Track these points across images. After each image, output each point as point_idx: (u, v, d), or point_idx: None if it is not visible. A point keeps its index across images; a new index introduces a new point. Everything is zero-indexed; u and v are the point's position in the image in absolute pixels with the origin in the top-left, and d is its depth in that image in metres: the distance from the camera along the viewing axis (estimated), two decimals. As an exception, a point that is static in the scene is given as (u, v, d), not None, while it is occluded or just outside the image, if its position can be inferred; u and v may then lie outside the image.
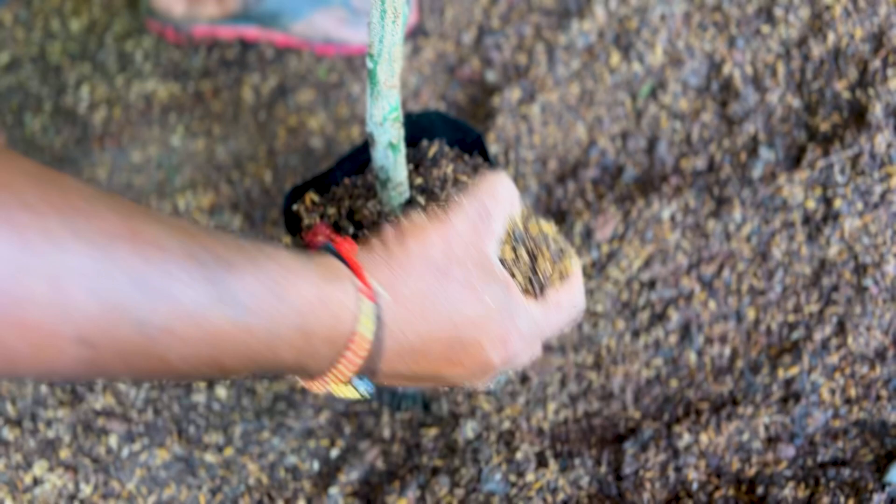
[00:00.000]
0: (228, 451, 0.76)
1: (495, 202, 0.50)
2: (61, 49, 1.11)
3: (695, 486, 0.68)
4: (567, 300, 0.52)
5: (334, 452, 0.76)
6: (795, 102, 0.82)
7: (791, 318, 0.75)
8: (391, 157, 0.59)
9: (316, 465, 0.76)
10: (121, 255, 0.35)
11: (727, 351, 0.76)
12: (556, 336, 0.54)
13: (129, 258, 0.35)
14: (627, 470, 0.69)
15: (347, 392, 0.48)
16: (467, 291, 0.47)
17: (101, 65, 1.10)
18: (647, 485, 0.68)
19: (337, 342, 0.44)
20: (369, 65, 0.53)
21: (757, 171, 0.81)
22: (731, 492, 0.68)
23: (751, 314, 0.77)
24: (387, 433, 0.77)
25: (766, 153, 0.80)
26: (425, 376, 0.49)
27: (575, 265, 0.54)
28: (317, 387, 0.47)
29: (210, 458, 0.76)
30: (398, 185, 0.61)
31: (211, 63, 1.08)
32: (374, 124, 0.57)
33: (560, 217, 0.85)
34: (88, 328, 0.35)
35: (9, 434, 0.79)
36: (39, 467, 0.77)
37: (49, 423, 0.79)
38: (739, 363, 0.75)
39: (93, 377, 0.39)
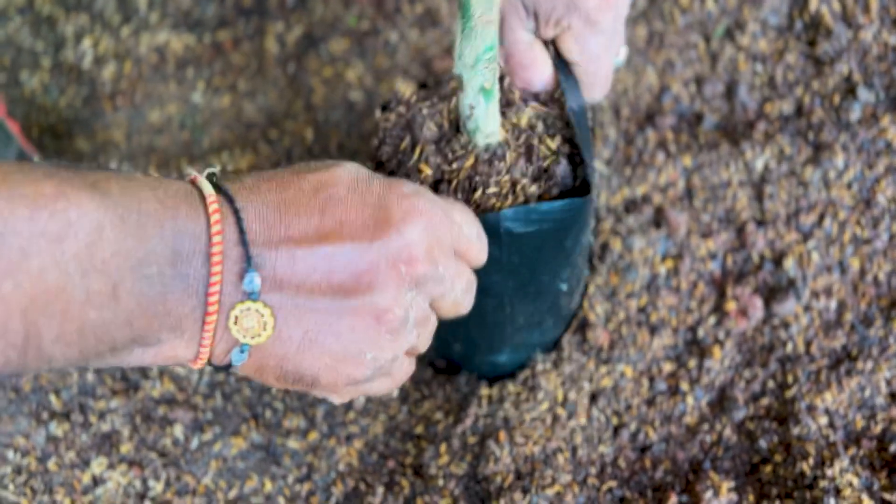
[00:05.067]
0: (313, 436, 0.70)
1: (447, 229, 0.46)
2: (54, -2, 1.00)
3: (822, 443, 0.65)
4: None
5: (431, 429, 0.70)
6: (893, 39, 0.78)
7: (898, 267, 0.72)
8: (483, 104, 0.53)
9: (411, 447, 0.69)
10: None
11: (833, 304, 0.72)
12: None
13: None
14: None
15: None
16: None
17: (99, 15, 0.99)
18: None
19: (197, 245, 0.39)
20: None
21: (855, 114, 0.76)
22: (863, 452, 0.65)
23: (855, 264, 0.73)
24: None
25: (865, 94, 0.76)
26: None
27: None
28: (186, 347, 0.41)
29: (293, 444, 0.69)
30: (488, 135, 0.55)
31: (226, 11, 0.98)
32: (465, 66, 0.50)
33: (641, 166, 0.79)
34: None
35: (57, 429, 0.71)
36: (98, 465, 0.69)
37: (102, 415, 0.71)
38: (849, 316, 0.72)
39: None
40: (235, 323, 0.40)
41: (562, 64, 0.58)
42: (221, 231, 0.39)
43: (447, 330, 0.67)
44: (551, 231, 0.56)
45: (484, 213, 0.53)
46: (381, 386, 0.48)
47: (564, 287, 0.64)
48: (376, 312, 0.42)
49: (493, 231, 0.53)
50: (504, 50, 0.58)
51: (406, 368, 0.49)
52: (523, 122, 0.56)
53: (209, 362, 0.43)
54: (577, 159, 0.57)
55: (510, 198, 0.55)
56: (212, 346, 0.41)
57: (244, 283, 0.40)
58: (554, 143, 0.56)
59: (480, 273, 0.52)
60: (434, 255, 0.44)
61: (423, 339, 0.48)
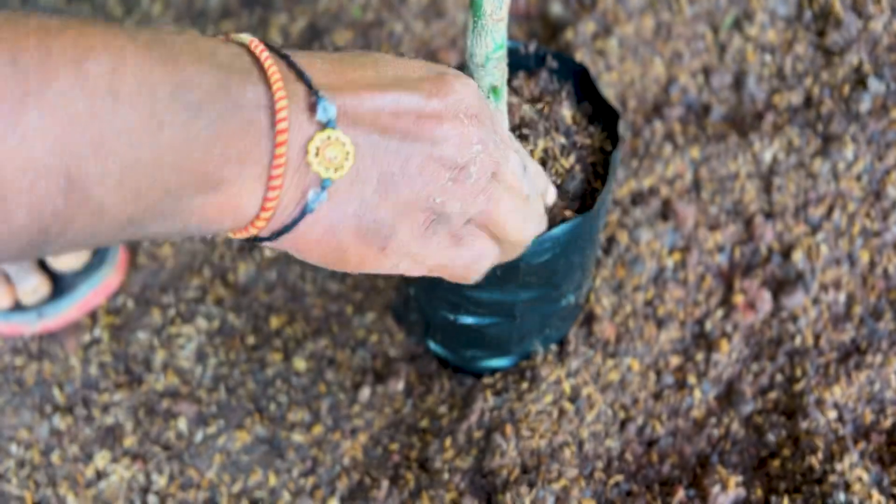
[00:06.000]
0: (317, 429, 0.69)
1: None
2: (57, -11, 0.99)
3: (831, 437, 0.64)
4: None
5: (435, 423, 0.70)
6: (903, 30, 0.77)
7: (909, 259, 0.71)
8: (493, 104, 0.52)
9: (416, 440, 0.69)
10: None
11: (842, 297, 0.72)
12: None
13: None
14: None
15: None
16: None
17: (101, 7, 0.98)
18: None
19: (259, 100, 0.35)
20: None
21: (865, 105, 0.75)
22: (872, 446, 0.64)
23: (865, 257, 0.72)
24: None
25: (875, 85, 0.75)
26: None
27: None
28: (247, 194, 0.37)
29: (298, 437, 0.69)
30: None
31: (230, 3, 0.98)
32: (475, 65, 0.50)
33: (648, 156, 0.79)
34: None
35: (60, 423, 0.70)
36: (102, 458, 0.68)
37: (105, 409, 0.71)
38: (858, 309, 0.71)
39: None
40: (317, 154, 0.37)
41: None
42: (275, 66, 0.36)
43: (451, 338, 0.67)
44: (561, 252, 0.55)
45: None
46: (456, 255, 0.44)
47: (573, 298, 0.64)
48: (441, 158, 0.40)
49: (511, 264, 0.51)
50: None
51: (479, 247, 0.45)
52: (539, 148, 0.56)
53: (259, 237, 0.39)
54: (590, 177, 0.56)
55: None
56: (282, 188, 0.37)
57: (318, 112, 0.37)
58: (567, 163, 0.56)
59: (488, 292, 0.51)
60: (490, 118, 0.43)
61: (493, 208, 0.44)
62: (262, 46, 0.37)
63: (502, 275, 0.54)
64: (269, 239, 0.39)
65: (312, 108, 0.37)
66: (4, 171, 0.29)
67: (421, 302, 0.66)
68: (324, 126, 0.37)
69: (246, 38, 0.37)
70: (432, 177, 0.40)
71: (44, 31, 0.30)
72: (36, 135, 0.29)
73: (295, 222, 0.38)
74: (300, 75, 0.37)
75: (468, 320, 0.62)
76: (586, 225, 0.55)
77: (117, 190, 0.32)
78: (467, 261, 0.45)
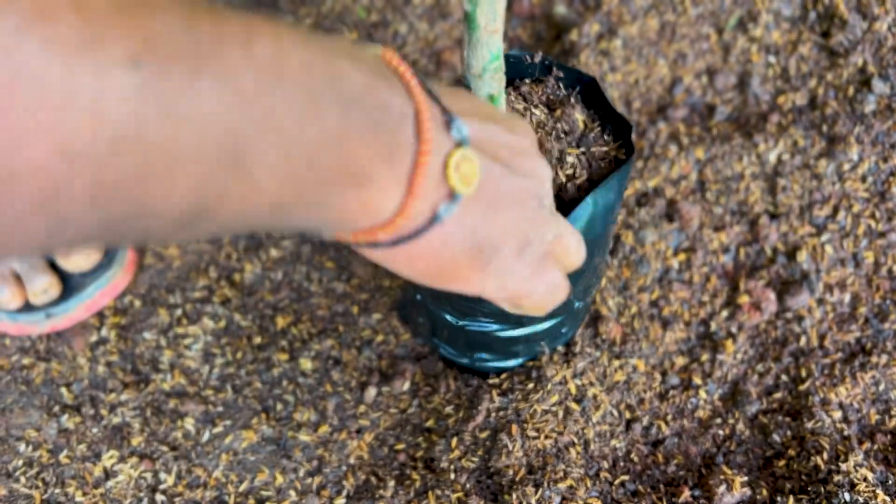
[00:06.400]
0: (324, 429, 0.69)
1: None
2: None
3: (836, 437, 0.64)
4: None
5: (441, 423, 0.70)
6: (908, 31, 0.77)
7: (914, 260, 0.71)
8: None
9: (422, 440, 0.69)
10: None
11: (847, 298, 0.72)
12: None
13: None
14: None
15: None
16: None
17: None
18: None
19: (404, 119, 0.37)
20: (467, 7, 0.46)
21: (869, 106, 0.76)
22: (877, 446, 0.65)
23: (870, 258, 0.73)
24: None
25: (879, 86, 0.75)
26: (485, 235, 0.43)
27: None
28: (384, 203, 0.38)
29: (304, 437, 0.69)
30: None
31: (236, 4, 0.98)
32: (472, 76, 0.50)
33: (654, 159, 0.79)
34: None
35: (68, 422, 0.71)
36: (109, 457, 0.69)
37: (113, 408, 0.71)
38: (863, 310, 0.71)
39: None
40: (457, 170, 0.39)
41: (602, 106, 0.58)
42: (415, 79, 0.38)
43: (457, 341, 0.67)
44: None
45: None
46: (538, 283, 0.47)
47: (578, 304, 0.64)
48: (530, 189, 0.44)
49: None
50: None
51: (554, 275, 0.48)
52: (555, 149, 0.56)
53: (377, 243, 0.40)
54: (586, 185, 0.55)
55: None
56: (421, 195, 0.38)
57: (452, 130, 0.39)
58: (563, 174, 0.55)
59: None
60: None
61: (563, 231, 0.48)
62: (397, 58, 0.39)
63: None
64: (386, 245, 0.40)
65: (447, 127, 0.39)
66: (175, 137, 0.28)
67: (428, 306, 0.66)
68: (458, 144, 0.39)
69: (378, 48, 0.39)
70: (524, 204, 0.44)
71: (215, 11, 0.30)
72: (208, 103, 0.29)
73: (420, 231, 0.40)
74: (430, 93, 0.39)
75: (474, 326, 0.62)
76: (590, 234, 0.54)
77: (276, 171, 0.32)
78: (544, 291, 0.48)
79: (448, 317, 0.63)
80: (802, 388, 0.68)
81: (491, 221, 0.42)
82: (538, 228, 0.45)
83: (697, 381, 0.69)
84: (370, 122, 0.35)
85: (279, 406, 0.71)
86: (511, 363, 0.69)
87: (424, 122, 0.37)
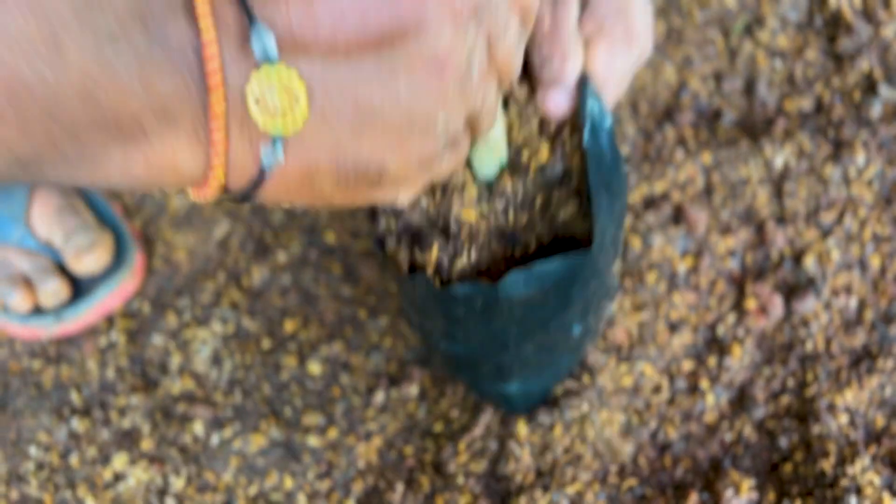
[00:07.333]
0: (332, 433, 0.70)
1: None
2: None
3: (842, 441, 0.65)
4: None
5: (450, 426, 0.70)
6: (915, 36, 0.77)
7: (921, 264, 0.72)
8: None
9: (430, 444, 0.69)
10: None
11: (853, 302, 0.72)
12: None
13: None
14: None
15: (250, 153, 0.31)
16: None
17: None
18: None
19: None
20: None
21: (876, 111, 0.76)
22: (884, 450, 0.65)
23: (876, 262, 0.73)
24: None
25: (885, 91, 0.76)
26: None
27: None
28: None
29: (313, 441, 0.69)
30: (495, 145, 0.48)
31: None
32: None
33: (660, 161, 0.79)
34: None
35: (78, 426, 0.71)
36: (119, 461, 0.69)
37: (123, 412, 0.72)
38: (869, 314, 0.71)
39: None
40: (258, 103, 0.29)
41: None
42: None
43: (451, 361, 0.64)
44: (552, 287, 0.50)
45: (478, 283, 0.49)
46: (449, 162, 0.37)
47: (578, 330, 0.58)
48: (437, 58, 0.31)
49: (490, 300, 0.48)
50: (540, 34, 0.46)
51: (464, 145, 0.38)
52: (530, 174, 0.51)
53: (227, 190, 0.33)
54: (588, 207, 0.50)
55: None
56: (227, 147, 0.30)
57: (252, 43, 0.29)
58: (560, 192, 0.51)
59: (481, 320, 0.49)
60: None
61: (487, 102, 0.36)
62: None
63: (485, 306, 0.49)
64: (243, 199, 0.33)
65: (246, 38, 0.29)
66: None
67: (413, 323, 0.61)
68: (259, 64, 0.29)
69: None
70: (428, 89, 0.32)
71: None
72: None
73: (257, 183, 0.32)
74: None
75: (458, 349, 0.58)
76: (578, 264, 0.49)
77: (5, 118, 0.27)
78: (455, 164, 0.38)
79: (433, 338, 0.59)
80: (809, 392, 0.68)
81: (361, 140, 0.32)
82: (459, 113, 0.34)
83: (705, 385, 0.69)
84: (135, 64, 0.28)
85: (288, 410, 0.71)
86: (508, 387, 0.64)
87: (207, 45, 0.28)
